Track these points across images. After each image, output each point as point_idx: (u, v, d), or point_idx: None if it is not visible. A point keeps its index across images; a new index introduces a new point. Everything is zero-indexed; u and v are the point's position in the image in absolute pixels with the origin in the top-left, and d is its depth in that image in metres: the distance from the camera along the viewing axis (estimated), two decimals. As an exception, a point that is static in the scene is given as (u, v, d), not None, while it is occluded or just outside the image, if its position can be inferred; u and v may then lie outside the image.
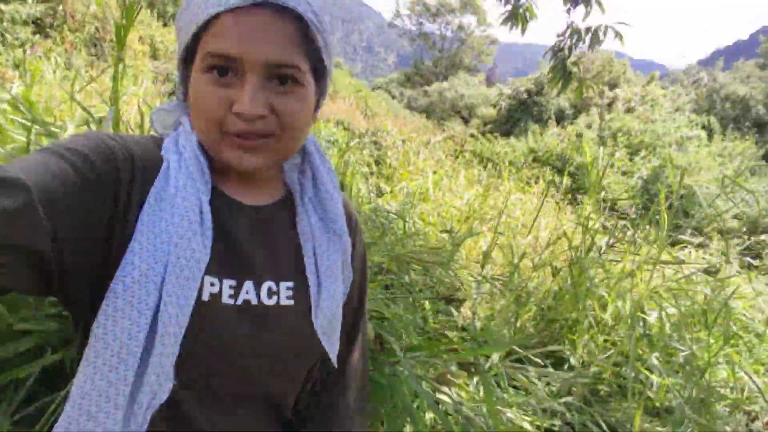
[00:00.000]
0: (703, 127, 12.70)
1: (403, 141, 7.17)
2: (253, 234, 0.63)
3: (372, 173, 4.00)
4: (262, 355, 0.60)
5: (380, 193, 2.95)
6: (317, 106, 0.67)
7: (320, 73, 0.63)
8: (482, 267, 2.43)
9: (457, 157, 7.79)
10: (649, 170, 8.90)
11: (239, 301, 0.59)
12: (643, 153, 10.05)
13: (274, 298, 0.62)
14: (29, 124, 1.15)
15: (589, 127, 12.06)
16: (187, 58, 0.59)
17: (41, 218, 0.42)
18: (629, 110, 13.69)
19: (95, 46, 7.78)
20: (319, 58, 0.60)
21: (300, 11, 0.55)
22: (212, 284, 0.57)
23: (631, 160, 9.63)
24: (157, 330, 0.50)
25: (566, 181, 7.01)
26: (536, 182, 6.53)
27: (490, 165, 7.58)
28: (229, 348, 0.57)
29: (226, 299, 0.58)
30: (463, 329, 1.95)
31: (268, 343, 0.60)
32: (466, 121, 21.06)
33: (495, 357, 1.69)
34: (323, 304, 0.65)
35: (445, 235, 2.50)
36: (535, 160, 8.70)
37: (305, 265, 0.66)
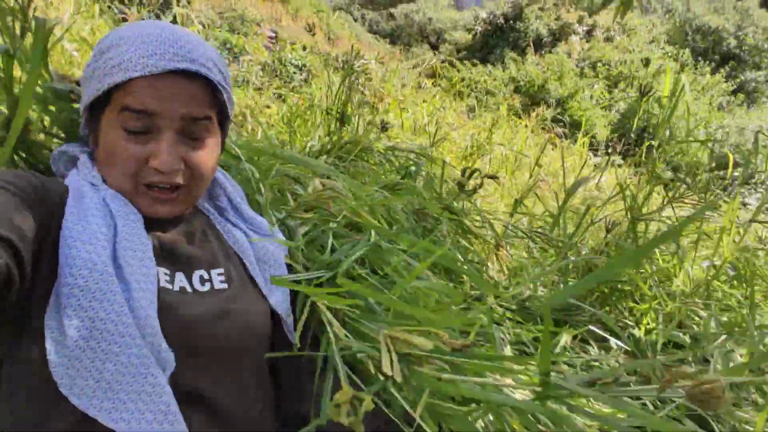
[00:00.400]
0: (675, 60, 12.47)
1: (382, 64, 6.48)
2: (173, 239, 0.65)
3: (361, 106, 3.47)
4: (211, 338, 0.60)
5: (384, 128, 2.49)
6: (223, 147, 0.74)
7: (224, 123, 0.70)
8: (510, 216, 2.07)
9: (433, 85, 7.23)
10: (627, 104, 8.70)
11: (176, 287, 0.61)
12: (621, 86, 9.78)
13: (207, 284, 0.64)
14: None
15: (568, 56, 11.53)
16: (95, 106, 0.62)
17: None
18: (608, 39, 13.19)
19: None
20: (224, 111, 0.68)
21: (210, 77, 0.61)
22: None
23: (609, 92, 9.37)
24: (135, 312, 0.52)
25: (550, 114, 6.67)
26: (527, 115, 6.14)
27: (471, 95, 7.09)
28: (178, 330, 0.56)
29: (164, 283, 0.59)
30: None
31: (210, 323, 0.60)
32: (434, 48, 20.01)
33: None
34: (275, 288, 0.70)
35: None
36: (516, 90, 8.25)
37: (246, 265, 0.70)
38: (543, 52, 11.91)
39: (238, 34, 7.71)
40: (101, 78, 0.58)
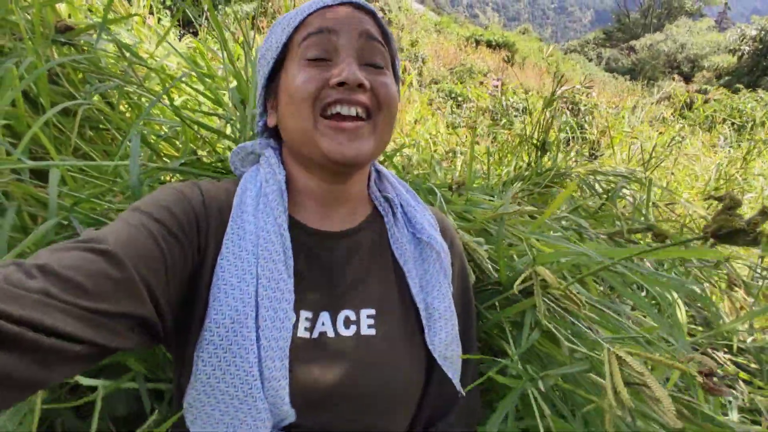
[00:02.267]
0: None
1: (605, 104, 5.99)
2: (332, 263, 0.61)
3: (573, 137, 3.31)
4: (345, 392, 0.56)
5: (593, 157, 2.33)
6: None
7: (395, 72, 0.64)
8: (761, 259, 1.64)
9: (681, 117, 6.23)
10: None
11: (315, 334, 0.57)
12: None
13: (353, 327, 0.59)
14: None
15: None
16: (272, 78, 0.61)
17: (139, 287, 0.45)
18: None
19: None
20: (394, 56, 0.63)
21: (377, 16, 0.60)
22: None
23: None
24: (262, 372, 0.51)
25: None
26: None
27: (730, 126, 5.83)
28: (307, 384, 0.54)
29: (301, 332, 0.56)
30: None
31: (348, 377, 0.56)
32: (686, 79, 17.25)
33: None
34: (437, 326, 0.62)
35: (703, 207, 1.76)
36: (805, 115, 6.39)
37: (409, 286, 0.63)
38: None
39: (463, 84, 8.34)
40: (278, 38, 0.60)
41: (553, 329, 0.69)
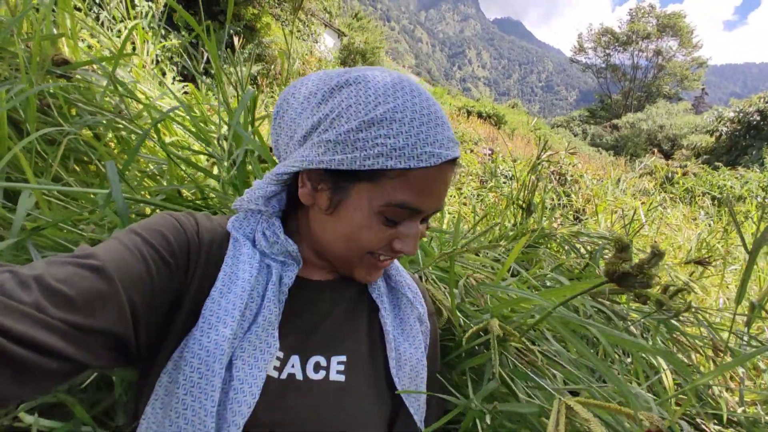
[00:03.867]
0: None
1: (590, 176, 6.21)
2: (312, 310, 0.62)
3: (560, 204, 3.39)
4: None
5: (578, 219, 2.37)
6: None
7: None
8: (747, 325, 1.62)
9: (663, 190, 6.43)
10: None
11: (283, 375, 0.57)
12: None
13: (322, 372, 0.59)
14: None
15: None
16: (345, 173, 0.56)
17: (125, 306, 0.46)
18: None
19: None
20: None
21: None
22: None
23: None
24: (227, 402, 0.51)
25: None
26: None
27: (710, 200, 6.03)
28: (269, 423, 0.53)
29: (270, 371, 0.56)
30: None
31: (312, 420, 0.55)
32: (666, 156, 18.05)
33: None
34: (405, 369, 0.64)
35: (682, 273, 1.77)
36: (782, 193, 6.65)
37: (384, 325, 0.65)
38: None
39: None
40: (371, 154, 0.52)
41: (508, 380, 0.70)
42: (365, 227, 0.56)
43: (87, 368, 0.45)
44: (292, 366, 0.57)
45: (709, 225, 3.71)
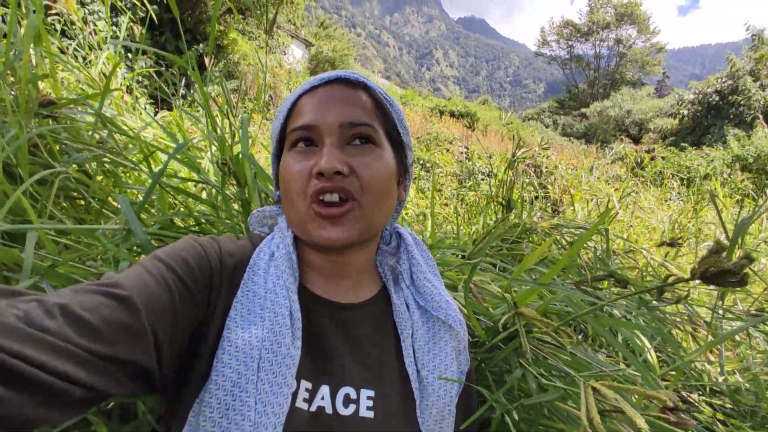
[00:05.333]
0: None
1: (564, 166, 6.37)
2: (336, 334, 0.60)
3: (537, 197, 3.48)
4: None
5: (556, 213, 2.46)
6: (400, 183, 0.67)
7: (396, 143, 0.64)
8: (721, 299, 1.71)
9: (634, 175, 6.63)
10: None
11: (313, 407, 0.55)
12: None
13: (352, 407, 0.57)
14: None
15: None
16: (278, 155, 0.65)
17: (149, 336, 0.46)
18: None
19: (268, 109, 9.02)
20: (392, 126, 0.63)
21: (370, 85, 0.62)
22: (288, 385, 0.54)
23: None
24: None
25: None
26: (763, 195, 5.06)
27: (678, 180, 6.25)
28: None
29: (300, 402, 0.54)
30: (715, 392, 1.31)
31: None
32: (635, 140, 18.57)
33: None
34: (429, 401, 0.60)
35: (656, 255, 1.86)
36: (744, 169, 6.94)
37: (404, 356, 0.62)
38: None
39: (430, 150, 8.74)
40: (277, 122, 0.64)
41: (530, 368, 0.72)
42: (288, 169, 0.59)
43: (110, 396, 0.45)
44: (322, 398, 0.56)
45: (680, 205, 3.86)
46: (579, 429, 0.60)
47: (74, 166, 1.09)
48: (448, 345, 0.64)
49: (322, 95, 0.60)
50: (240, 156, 0.90)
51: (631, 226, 3.20)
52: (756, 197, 5.03)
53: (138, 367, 0.46)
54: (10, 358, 0.35)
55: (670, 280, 0.87)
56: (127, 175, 1.20)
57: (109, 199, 1.05)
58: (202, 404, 0.51)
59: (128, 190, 1.13)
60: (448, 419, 0.61)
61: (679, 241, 1.55)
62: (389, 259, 0.69)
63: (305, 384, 0.56)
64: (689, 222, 2.92)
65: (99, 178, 1.08)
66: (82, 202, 1.15)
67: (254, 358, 0.51)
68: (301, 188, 0.58)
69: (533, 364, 0.77)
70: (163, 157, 1.24)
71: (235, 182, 0.92)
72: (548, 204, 3.07)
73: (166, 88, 1.46)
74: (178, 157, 1.24)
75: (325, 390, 0.56)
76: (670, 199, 4.80)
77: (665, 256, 2.09)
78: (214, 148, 1.05)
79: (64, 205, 1.08)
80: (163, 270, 0.51)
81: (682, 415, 0.64)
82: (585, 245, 1.72)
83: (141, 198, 1.17)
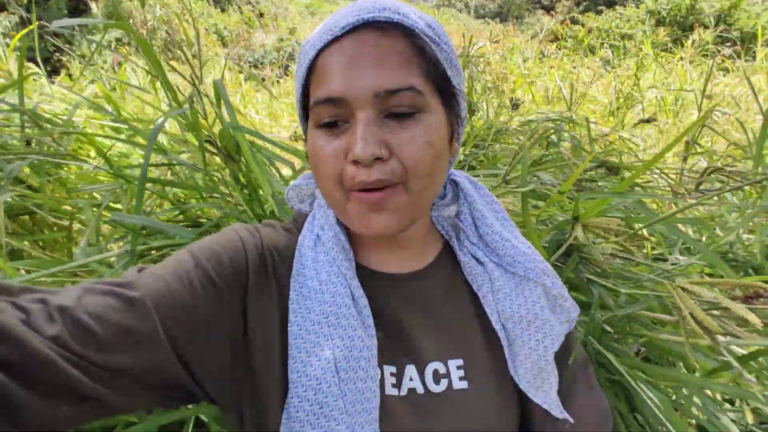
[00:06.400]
0: None
1: (497, 43, 6.22)
2: (408, 308, 0.54)
3: (489, 92, 3.38)
4: None
5: (515, 106, 2.41)
6: (454, 137, 0.54)
7: (447, 94, 0.51)
8: (684, 160, 1.81)
9: (558, 49, 6.67)
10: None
11: (403, 391, 0.51)
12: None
13: (444, 381, 0.52)
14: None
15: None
16: (305, 118, 0.53)
17: (163, 342, 0.42)
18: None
19: (169, 50, 7.90)
20: (442, 76, 0.49)
21: (408, 24, 0.46)
22: None
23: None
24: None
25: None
26: (679, 47, 5.28)
27: (604, 46, 6.37)
28: None
29: (389, 389, 0.50)
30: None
31: None
32: (547, 10, 18.52)
33: None
34: (521, 355, 0.55)
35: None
36: (659, 23, 7.16)
37: (487, 313, 0.56)
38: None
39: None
40: (298, 78, 0.51)
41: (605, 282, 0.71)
42: (316, 150, 0.49)
43: (126, 409, 0.42)
44: (410, 379, 0.52)
45: (616, 73, 3.95)
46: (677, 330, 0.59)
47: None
48: (534, 293, 0.57)
49: (348, 50, 0.46)
50: (230, 131, 0.74)
51: (578, 103, 3.25)
52: (673, 51, 5.24)
53: (156, 375, 0.42)
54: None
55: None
56: (73, 173, 1.00)
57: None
58: (291, 420, 0.47)
59: (83, 193, 0.94)
60: (546, 370, 0.57)
61: (654, 117, 1.57)
62: (446, 212, 0.60)
63: (389, 369, 0.51)
64: (632, 89, 3.00)
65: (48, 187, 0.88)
66: (28, 218, 0.95)
67: (329, 360, 0.47)
68: (334, 174, 0.48)
69: (600, 277, 0.75)
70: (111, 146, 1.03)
71: (223, 161, 0.77)
72: (504, 99, 3.02)
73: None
74: (122, 137, 1.04)
75: (411, 370, 0.52)
76: (602, 69, 4.91)
77: (634, 126, 2.12)
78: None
79: (14, 226, 0.88)
80: (189, 266, 0.46)
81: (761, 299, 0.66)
82: (563, 138, 1.69)
83: (98, 196, 0.99)
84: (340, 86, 0.45)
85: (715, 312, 0.62)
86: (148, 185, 0.96)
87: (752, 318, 0.57)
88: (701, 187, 0.79)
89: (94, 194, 0.97)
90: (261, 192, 0.78)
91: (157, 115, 1.58)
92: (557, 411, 0.56)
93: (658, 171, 1.70)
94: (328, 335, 0.48)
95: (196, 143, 0.84)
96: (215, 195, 0.86)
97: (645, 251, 0.94)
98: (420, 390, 0.51)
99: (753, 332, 0.65)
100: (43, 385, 0.36)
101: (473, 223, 0.59)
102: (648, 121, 1.56)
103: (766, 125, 1.23)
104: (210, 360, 0.46)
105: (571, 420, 0.56)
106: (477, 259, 0.58)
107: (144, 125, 1.04)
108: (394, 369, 0.52)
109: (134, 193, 0.92)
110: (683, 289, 0.63)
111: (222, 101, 0.75)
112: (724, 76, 3.94)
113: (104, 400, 0.39)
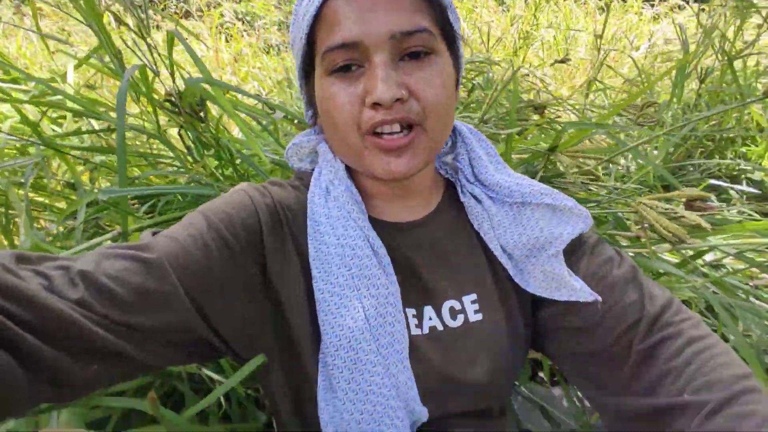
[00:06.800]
0: None
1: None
2: (419, 253, 0.58)
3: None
4: (464, 380, 0.55)
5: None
6: (458, 81, 0.56)
7: (450, 38, 0.52)
8: (586, 96, 1.98)
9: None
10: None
11: (425, 330, 0.55)
12: None
13: (460, 317, 0.57)
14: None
15: None
16: (307, 70, 0.54)
17: (182, 300, 0.44)
18: None
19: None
20: (446, 19, 0.51)
21: None
22: None
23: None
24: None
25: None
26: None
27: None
28: (427, 379, 0.53)
29: (413, 330, 0.55)
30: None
31: (468, 364, 0.55)
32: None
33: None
34: (534, 274, 0.57)
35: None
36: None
37: (491, 248, 0.58)
38: None
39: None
40: (299, 28, 0.51)
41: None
42: (329, 98, 0.49)
43: (153, 366, 0.45)
44: (430, 318, 0.56)
45: (515, 13, 4.09)
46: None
47: None
48: (533, 217, 0.57)
49: (360, 2, 0.46)
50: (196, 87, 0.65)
51: (482, 43, 3.33)
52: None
53: (178, 332, 0.45)
54: (18, 328, 0.35)
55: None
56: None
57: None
58: (328, 368, 0.50)
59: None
60: (561, 274, 0.55)
61: (567, 58, 1.68)
62: (446, 157, 0.63)
63: (410, 311, 0.55)
64: (531, 29, 3.15)
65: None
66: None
67: (359, 310, 0.50)
68: (351, 120, 0.49)
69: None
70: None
71: (188, 121, 0.69)
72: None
73: None
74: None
75: (429, 311, 0.56)
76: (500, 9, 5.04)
77: (551, 65, 2.23)
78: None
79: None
80: (203, 228, 0.48)
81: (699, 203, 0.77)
82: (495, 90, 1.74)
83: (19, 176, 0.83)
84: (356, 30, 0.46)
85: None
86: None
87: (704, 223, 0.68)
88: (639, 120, 0.89)
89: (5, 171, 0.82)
90: (234, 153, 0.72)
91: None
92: (587, 295, 0.53)
93: (569, 106, 1.85)
94: (354, 287, 0.51)
95: (144, 104, 0.74)
96: (174, 163, 0.77)
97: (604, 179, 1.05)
98: (440, 327, 0.56)
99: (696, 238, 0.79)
100: (72, 345, 0.38)
101: (470, 164, 0.61)
102: (563, 61, 1.67)
103: (681, 68, 1.39)
104: (230, 317, 0.49)
105: (600, 298, 0.53)
106: (475, 197, 0.60)
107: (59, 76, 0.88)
108: (414, 311, 0.56)
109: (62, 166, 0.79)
110: (645, 204, 0.74)
111: (189, 54, 0.65)
112: (601, 14, 4.28)
113: (132, 355, 0.42)
